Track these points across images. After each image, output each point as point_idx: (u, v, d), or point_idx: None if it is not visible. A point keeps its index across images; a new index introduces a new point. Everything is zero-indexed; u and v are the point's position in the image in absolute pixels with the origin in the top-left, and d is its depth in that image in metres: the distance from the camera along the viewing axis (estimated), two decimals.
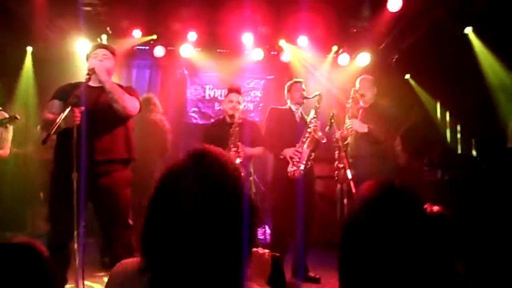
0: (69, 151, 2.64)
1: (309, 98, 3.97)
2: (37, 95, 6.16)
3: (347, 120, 3.71)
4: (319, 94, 3.87)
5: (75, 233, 2.60)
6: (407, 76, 6.51)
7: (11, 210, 4.99)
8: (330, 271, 4.15)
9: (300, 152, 3.63)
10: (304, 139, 3.67)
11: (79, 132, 2.65)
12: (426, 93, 6.14)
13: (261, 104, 7.22)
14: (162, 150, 4.48)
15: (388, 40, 6.23)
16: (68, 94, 2.74)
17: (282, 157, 3.72)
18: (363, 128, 3.63)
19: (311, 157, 3.65)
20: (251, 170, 3.82)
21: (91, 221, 3.23)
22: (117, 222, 2.91)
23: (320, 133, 3.64)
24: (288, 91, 4.05)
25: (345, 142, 3.53)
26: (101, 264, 4.36)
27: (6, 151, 3.63)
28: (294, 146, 3.69)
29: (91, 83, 2.84)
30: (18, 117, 3.47)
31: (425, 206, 1.39)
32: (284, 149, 3.70)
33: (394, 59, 6.57)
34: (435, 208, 1.67)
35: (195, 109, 7.32)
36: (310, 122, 3.72)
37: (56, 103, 2.84)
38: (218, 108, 7.30)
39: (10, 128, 3.62)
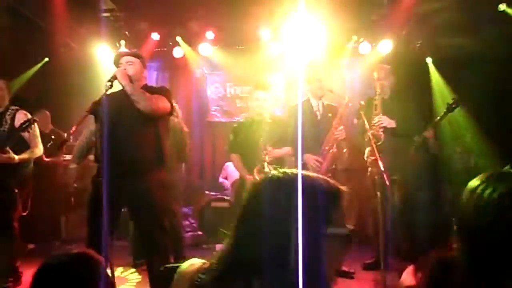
0: (102, 156, 2.74)
1: (332, 92, 3.81)
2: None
3: (375, 118, 3.52)
4: (346, 98, 3.70)
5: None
6: (428, 60, 6.28)
7: (46, 217, 5.11)
8: (358, 263, 4.09)
9: (321, 162, 3.50)
10: (327, 148, 3.52)
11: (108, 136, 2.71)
12: (441, 78, 5.85)
13: (282, 100, 7.16)
14: (182, 154, 4.40)
15: (410, 25, 6.03)
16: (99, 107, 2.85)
17: (302, 162, 3.57)
18: (392, 124, 3.49)
19: (331, 168, 3.52)
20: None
21: (124, 224, 3.25)
22: (153, 224, 2.91)
23: (344, 150, 3.51)
24: (308, 81, 3.84)
25: (380, 141, 3.34)
26: (133, 266, 4.41)
27: (39, 148, 3.68)
28: (316, 145, 3.55)
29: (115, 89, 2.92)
30: (37, 119, 3.54)
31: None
32: (305, 150, 3.56)
33: (418, 45, 6.37)
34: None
35: (217, 107, 7.32)
36: (334, 131, 3.54)
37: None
38: (240, 105, 7.28)
39: (35, 128, 3.66)
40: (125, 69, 2.91)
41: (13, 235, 3.50)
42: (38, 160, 4.56)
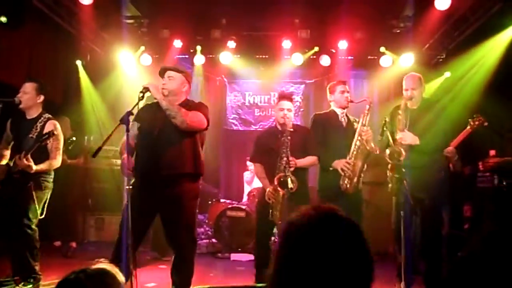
0: (139, 165, 2.90)
1: (355, 102, 3.75)
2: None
3: (398, 133, 3.45)
4: (368, 100, 3.62)
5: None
6: (447, 74, 6.18)
7: (63, 219, 5.17)
8: (377, 281, 3.99)
9: (352, 164, 3.43)
10: (355, 151, 3.45)
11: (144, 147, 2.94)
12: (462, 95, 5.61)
13: (301, 109, 7.16)
14: None
15: (433, 39, 5.97)
16: (141, 114, 2.94)
17: (331, 169, 3.52)
18: (415, 141, 3.41)
19: (364, 169, 3.47)
20: (307, 179, 3.65)
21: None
22: (182, 233, 2.99)
23: (372, 144, 3.43)
24: (331, 93, 3.76)
25: (401, 158, 3.25)
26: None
27: (57, 160, 3.68)
28: (342, 153, 3.50)
29: (155, 100, 2.99)
30: (55, 133, 3.53)
31: None
32: (333, 158, 3.51)
33: (440, 59, 6.29)
34: None
35: (235, 115, 7.35)
36: (361, 131, 3.49)
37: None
38: (258, 114, 7.30)
39: (60, 137, 3.68)
40: (164, 88, 3.02)
41: (32, 237, 3.51)
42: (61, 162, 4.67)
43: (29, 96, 3.57)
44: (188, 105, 3.09)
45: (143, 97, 2.82)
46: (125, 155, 2.81)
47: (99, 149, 2.73)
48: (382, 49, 6.29)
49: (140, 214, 2.76)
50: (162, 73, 3.14)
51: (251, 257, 5.11)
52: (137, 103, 2.79)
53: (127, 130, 2.66)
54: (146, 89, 2.85)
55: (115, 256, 2.72)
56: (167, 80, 3.06)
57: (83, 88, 6.45)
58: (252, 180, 6.29)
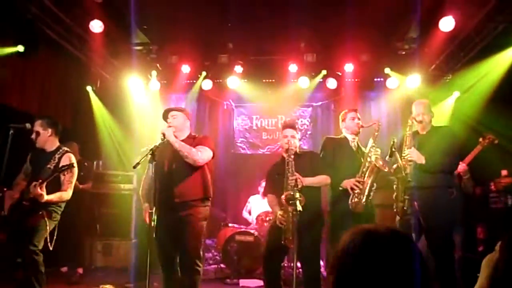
0: (156, 197, 3.28)
1: (365, 127, 3.78)
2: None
3: (405, 150, 3.46)
4: (377, 123, 3.65)
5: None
6: (456, 93, 6.15)
7: (70, 244, 5.12)
8: None
9: (362, 183, 3.41)
10: (365, 169, 3.44)
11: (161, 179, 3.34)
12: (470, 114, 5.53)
13: (308, 132, 7.15)
14: None
15: (439, 60, 5.99)
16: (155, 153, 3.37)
17: (341, 188, 3.50)
18: (421, 160, 3.40)
19: (373, 188, 3.43)
20: (319, 200, 3.63)
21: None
22: (188, 252, 3.28)
23: (381, 162, 3.42)
24: (343, 120, 3.85)
25: (406, 172, 3.25)
26: None
27: (68, 193, 3.72)
28: (352, 175, 3.46)
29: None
30: (75, 165, 3.66)
31: None
32: (342, 179, 3.49)
33: (446, 79, 6.29)
34: None
35: (243, 139, 7.36)
36: (370, 151, 3.49)
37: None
38: (266, 137, 7.31)
39: (75, 171, 3.74)
40: (170, 122, 3.48)
41: (38, 262, 3.46)
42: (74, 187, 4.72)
43: (40, 135, 3.70)
44: (194, 140, 3.48)
45: (163, 139, 3.26)
46: (146, 205, 3.39)
47: (138, 164, 3.08)
48: (387, 70, 6.31)
49: (165, 241, 3.30)
50: (165, 114, 3.57)
51: (260, 283, 5.01)
52: (158, 145, 3.20)
53: (150, 162, 3.11)
54: (163, 135, 3.28)
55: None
56: (172, 119, 3.51)
57: (96, 113, 6.57)
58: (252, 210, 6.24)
